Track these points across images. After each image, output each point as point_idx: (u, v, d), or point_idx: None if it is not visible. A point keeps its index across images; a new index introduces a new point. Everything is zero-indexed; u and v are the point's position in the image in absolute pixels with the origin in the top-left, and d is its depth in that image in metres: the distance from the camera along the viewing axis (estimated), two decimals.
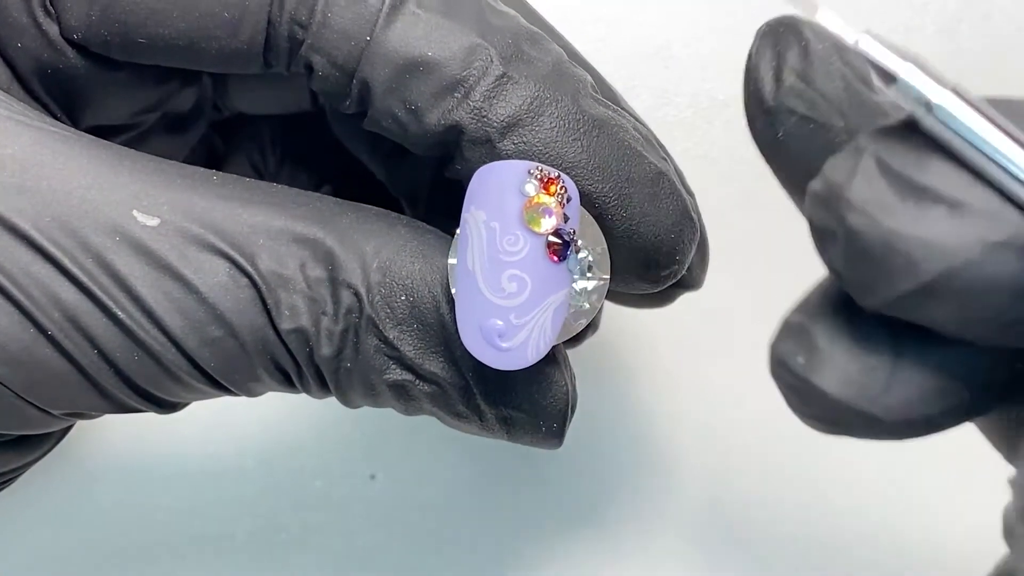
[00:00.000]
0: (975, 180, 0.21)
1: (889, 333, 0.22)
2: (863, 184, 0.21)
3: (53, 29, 0.27)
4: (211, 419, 0.43)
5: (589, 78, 0.28)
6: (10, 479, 0.30)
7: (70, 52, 0.28)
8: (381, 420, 0.42)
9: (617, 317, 0.38)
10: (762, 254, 0.45)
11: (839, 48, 0.24)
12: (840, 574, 0.40)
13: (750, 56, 0.25)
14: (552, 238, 0.25)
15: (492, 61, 0.26)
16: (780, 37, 0.25)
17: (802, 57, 0.24)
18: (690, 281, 0.33)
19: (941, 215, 0.20)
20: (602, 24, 0.48)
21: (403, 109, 0.27)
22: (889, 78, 0.22)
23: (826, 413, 0.23)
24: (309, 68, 0.27)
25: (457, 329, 0.26)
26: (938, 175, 0.21)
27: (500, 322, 0.25)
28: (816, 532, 0.41)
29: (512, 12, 0.28)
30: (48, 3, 0.27)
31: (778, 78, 0.24)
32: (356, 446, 0.44)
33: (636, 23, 0.49)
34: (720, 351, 0.42)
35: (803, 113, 0.24)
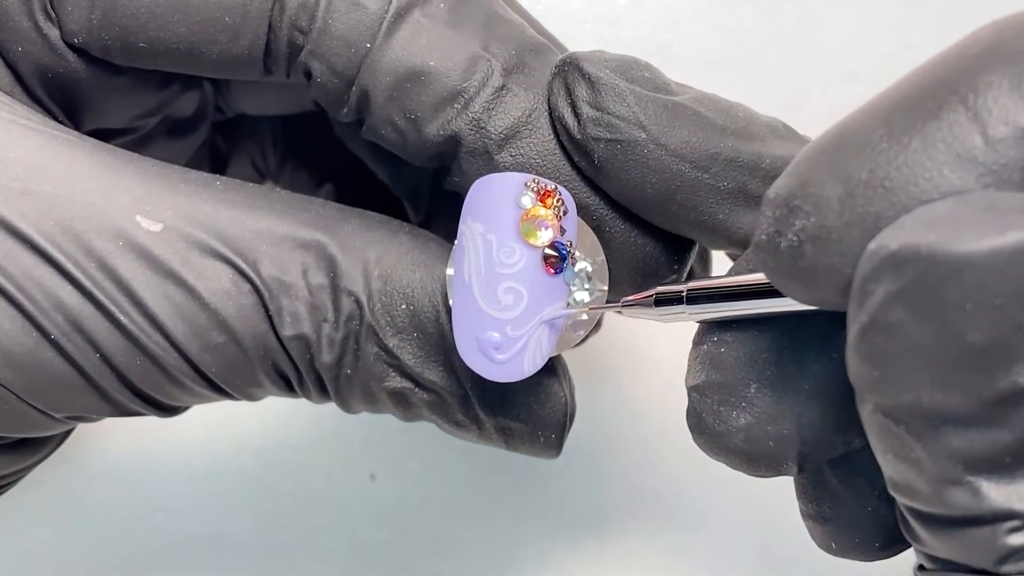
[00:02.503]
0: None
1: None
2: None
3: (54, 33, 0.27)
4: (211, 420, 0.43)
5: None
6: (12, 481, 0.30)
7: (71, 56, 0.28)
8: (381, 421, 0.42)
9: (617, 318, 0.38)
10: None
11: (621, 68, 0.26)
12: (843, 574, 0.40)
13: (548, 99, 0.27)
14: (548, 251, 0.25)
15: (493, 72, 0.26)
16: (567, 76, 0.26)
17: (590, 88, 0.26)
18: None
19: None
20: (602, 24, 0.48)
21: (402, 118, 0.27)
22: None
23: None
24: (308, 75, 0.27)
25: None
26: None
27: (496, 334, 0.25)
28: None
29: (519, 21, 0.28)
30: (49, 7, 0.27)
31: (576, 112, 0.26)
32: (356, 446, 0.44)
33: (636, 23, 0.48)
34: None
35: (608, 138, 0.26)
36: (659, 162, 0.26)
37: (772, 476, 0.25)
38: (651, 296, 0.26)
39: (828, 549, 0.26)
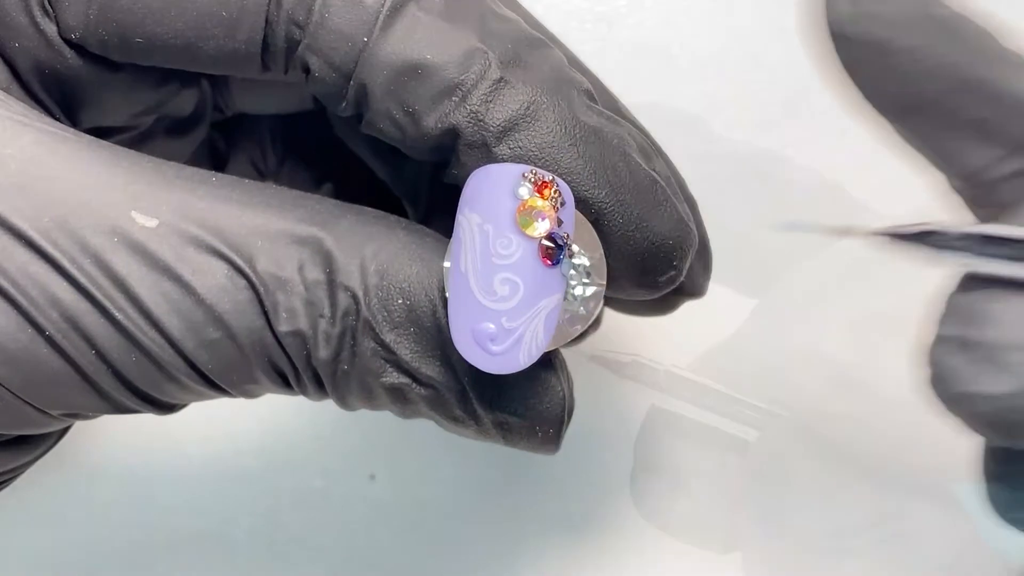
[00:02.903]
0: None
1: None
2: None
3: (51, 29, 0.27)
4: (211, 419, 0.43)
5: (588, 84, 0.28)
6: (8, 479, 0.30)
7: (68, 52, 0.28)
8: (381, 420, 0.42)
9: (617, 317, 0.38)
10: (763, 254, 0.44)
11: None
12: (842, 574, 0.40)
13: None
14: (545, 242, 0.25)
15: (491, 65, 0.26)
16: None
17: None
18: (692, 288, 0.33)
19: None
20: (602, 24, 0.48)
21: (401, 112, 0.27)
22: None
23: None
24: (306, 70, 0.27)
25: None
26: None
27: (492, 325, 0.25)
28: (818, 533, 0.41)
29: (514, 16, 0.28)
30: (46, 3, 0.27)
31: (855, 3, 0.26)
32: (356, 446, 0.44)
33: (636, 23, 0.49)
34: (720, 353, 0.42)
35: (877, 35, 0.25)
36: (926, 69, 0.25)
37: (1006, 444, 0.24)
38: (921, 229, 0.24)
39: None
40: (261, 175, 0.39)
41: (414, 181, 0.36)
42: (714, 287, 0.34)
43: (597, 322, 0.32)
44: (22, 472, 0.30)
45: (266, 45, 0.27)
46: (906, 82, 0.25)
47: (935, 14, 0.25)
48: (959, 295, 0.25)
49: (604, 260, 0.27)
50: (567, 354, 0.30)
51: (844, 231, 0.25)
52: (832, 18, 0.26)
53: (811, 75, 0.49)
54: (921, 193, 0.46)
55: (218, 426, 0.44)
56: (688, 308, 0.34)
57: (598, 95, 0.29)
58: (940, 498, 0.40)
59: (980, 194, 0.27)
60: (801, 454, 0.42)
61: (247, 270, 0.26)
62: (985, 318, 0.24)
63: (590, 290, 0.26)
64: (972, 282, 0.24)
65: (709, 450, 0.25)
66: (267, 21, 0.27)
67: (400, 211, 0.37)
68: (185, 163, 0.31)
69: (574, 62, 0.31)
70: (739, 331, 0.39)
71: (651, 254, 0.28)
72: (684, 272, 0.29)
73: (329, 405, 0.29)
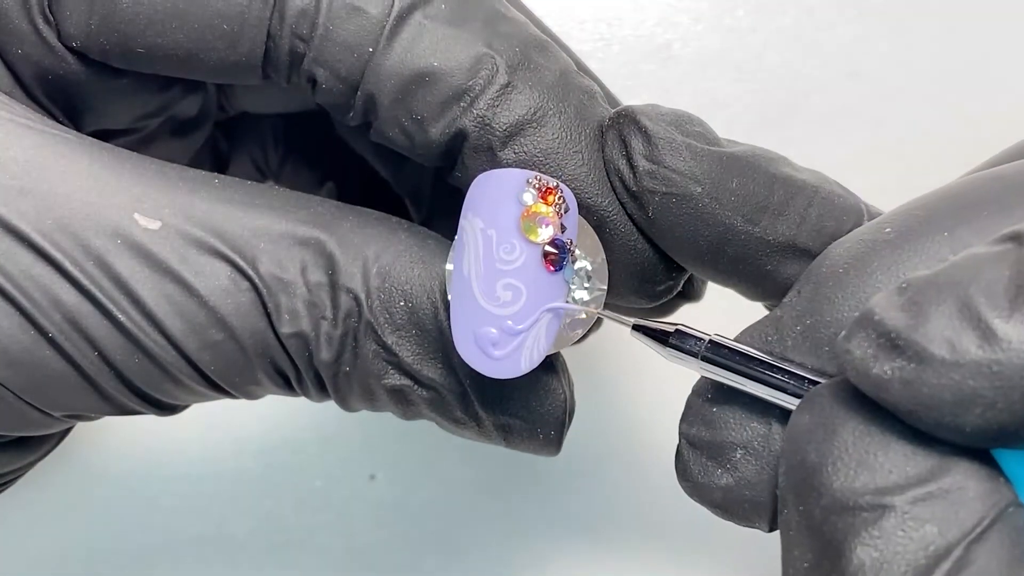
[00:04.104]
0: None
1: None
2: None
3: (53, 36, 0.27)
4: (211, 419, 0.43)
5: (597, 89, 0.28)
6: (10, 480, 0.30)
7: (71, 59, 0.28)
8: (381, 421, 0.42)
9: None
10: None
11: (676, 122, 0.26)
12: None
13: (603, 151, 0.27)
14: (548, 248, 0.25)
15: (498, 70, 0.26)
16: (623, 128, 0.27)
17: (646, 142, 0.26)
18: (691, 293, 0.33)
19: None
20: (602, 24, 0.48)
21: (409, 120, 0.27)
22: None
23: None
24: (312, 81, 0.27)
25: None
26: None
27: (494, 330, 0.25)
28: None
29: (522, 19, 0.28)
30: (48, 11, 0.27)
31: (632, 165, 0.26)
32: (356, 446, 0.44)
33: (636, 23, 0.49)
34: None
35: (663, 191, 0.26)
36: (712, 216, 0.26)
37: (744, 527, 0.27)
38: (669, 329, 0.26)
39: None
40: (263, 174, 0.39)
41: (416, 180, 0.36)
42: None
43: (599, 323, 0.32)
44: (24, 473, 0.30)
45: (268, 57, 0.27)
46: (712, 223, 0.26)
47: (720, 157, 0.26)
48: (695, 396, 0.27)
49: (606, 265, 0.27)
50: (574, 350, 0.30)
51: (612, 318, 0.27)
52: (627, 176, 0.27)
53: (811, 76, 0.49)
54: (920, 193, 0.47)
55: (219, 427, 0.44)
56: (707, 310, 0.34)
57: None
58: None
59: None
60: None
61: (249, 272, 0.26)
62: (712, 421, 0.26)
63: (592, 295, 0.26)
64: (707, 383, 0.27)
65: (754, 421, 0.25)
66: (269, 34, 0.27)
67: (402, 210, 0.37)
68: (187, 163, 0.31)
69: (579, 66, 0.31)
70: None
71: (651, 264, 0.28)
72: (681, 283, 0.29)
73: (330, 406, 0.29)
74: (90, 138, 0.27)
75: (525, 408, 0.28)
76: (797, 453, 0.22)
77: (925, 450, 0.20)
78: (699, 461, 0.26)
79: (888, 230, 0.25)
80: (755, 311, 0.29)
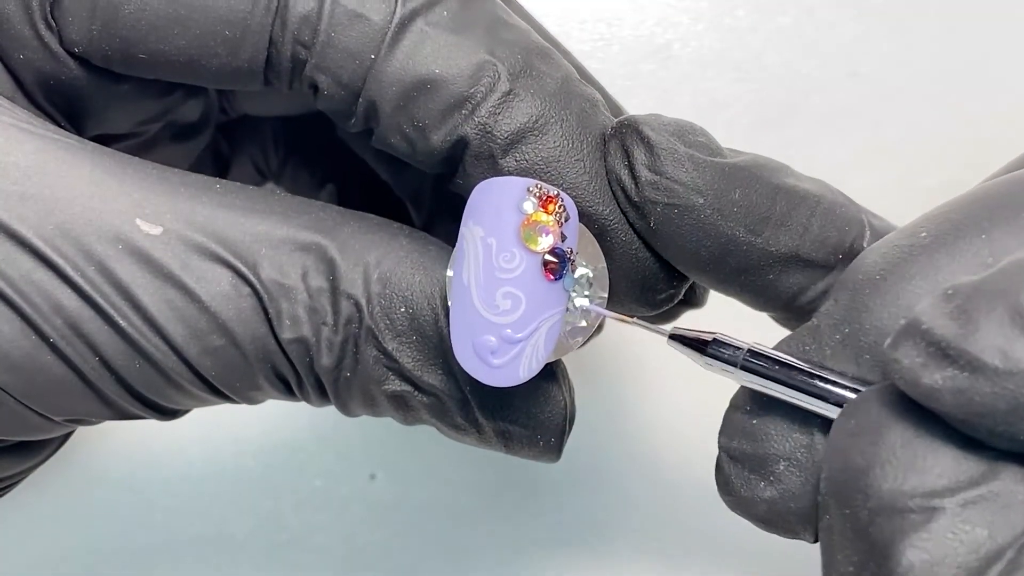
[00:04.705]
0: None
1: None
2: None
3: (55, 41, 0.27)
4: (211, 420, 0.43)
5: (599, 97, 0.28)
6: (11, 484, 0.30)
7: (72, 64, 0.27)
8: (381, 421, 0.42)
9: (619, 324, 0.38)
10: None
11: (679, 133, 0.26)
12: None
13: (605, 160, 0.27)
14: (548, 257, 0.25)
15: (500, 77, 0.26)
16: (625, 138, 0.27)
17: (648, 152, 0.26)
18: (693, 299, 0.33)
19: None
20: (602, 24, 0.48)
21: (411, 127, 0.27)
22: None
23: None
24: (314, 87, 0.27)
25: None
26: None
27: (493, 339, 0.25)
28: None
29: (524, 26, 0.28)
30: (50, 16, 0.27)
31: (634, 175, 0.26)
32: (356, 446, 0.44)
33: (636, 23, 0.49)
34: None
35: (665, 202, 0.26)
36: (715, 227, 0.26)
37: (788, 538, 0.27)
38: (707, 338, 0.26)
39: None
40: (264, 176, 0.39)
41: (417, 184, 0.36)
42: None
43: (600, 328, 0.32)
44: (25, 477, 0.30)
45: (270, 63, 0.27)
46: (713, 234, 0.26)
47: (723, 168, 0.26)
48: (733, 409, 0.27)
49: (606, 272, 0.27)
50: (575, 356, 0.30)
51: (649, 328, 0.27)
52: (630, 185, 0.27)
53: (811, 75, 0.49)
54: (921, 194, 0.47)
55: (219, 428, 0.44)
56: (709, 313, 0.34)
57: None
58: None
59: (796, 318, 0.28)
60: None
61: (251, 277, 0.26)
62: (753, 433, 0.26)
63: (592, 302, 0.26)
64: (745, 394, 0.27)
65: (796, 431, 0.25)
66: (271, 40, 0.27)
67: (403, 212, 0.37)
68: (189, 166, 0.31)
69: (579, 71, 0.31)
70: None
71: (652, 272, 0.28)
72: (683, 291, 0.29)
73: (330, 408, 0.29)
74: (92, 143, 0.27)
75: (525, 415, 0.28)
76: (842, 457, 0.22)
77: (974, 454, 0.21)
78: (741, 474, 0.26)
79: (923, 234, 0.24)
80: (761, 317, 0.29)
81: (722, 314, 0.32)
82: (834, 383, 0.24)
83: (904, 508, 0.20)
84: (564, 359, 0.29)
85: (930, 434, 0.21)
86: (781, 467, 0.26)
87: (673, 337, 0.27)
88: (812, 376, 0.25)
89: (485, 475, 0.44)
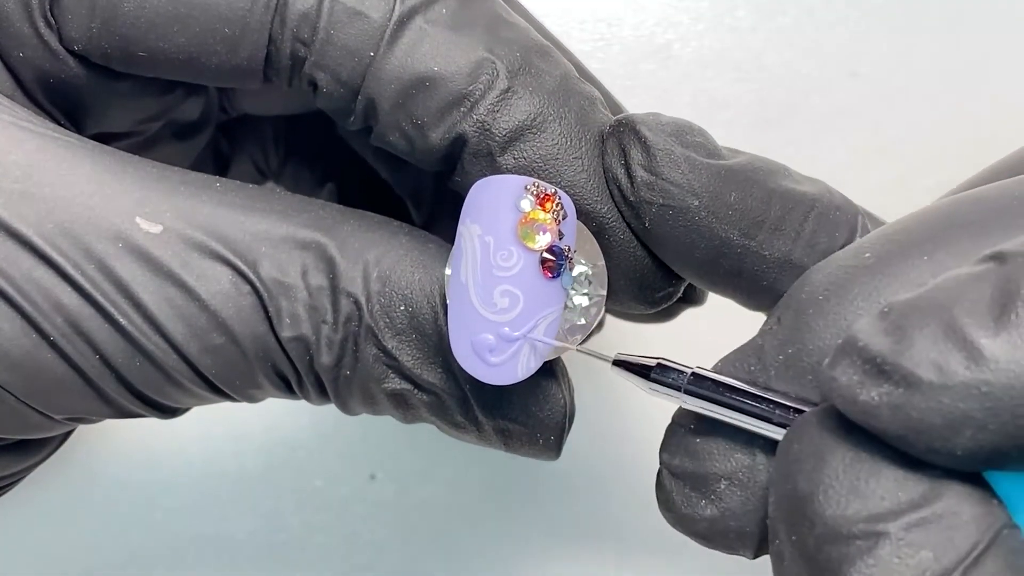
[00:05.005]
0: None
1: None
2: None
3: (55, 40, 0.27)
4: (211, 420, 0.43)
5: (598, 95, 0.28)
6: (11, 483, 0.30)
7: (72, 62, 0.28)
8: (381, 421, 0.42)
9: (619, 323, 0.38)
10: None
11: (677, 133, 0.26)
12: None
13: (602, 159, 0.27)
14: (546, 255, 0.25)
15: (498, 75, 0.26)
16: (622, 137, 0.27)
17: (644, 152, 0.26)
18: (693, 297, 0.33)
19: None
20: (602, 24, 0.48)
21: (409, 124, 0.27)
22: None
23: None
24: (313, 85, 0.27)
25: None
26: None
27: (490, 337, 0.25)
28: None
29: (523, 24, 0.28)
30: (49, 14, 0.27)
31: (630, 175, 0.26)
32: (356, 446, 0.44)
33: (636, 23, 0.49)
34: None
35: (660, 202, 0.26)
36: (709, 229, 0.26)
37: (728, 554, 0.27)
38: (651, 363, 0.26)
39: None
40: (263, 175, 0.39)
41: (417, 182, 0.36)
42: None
43: (600, 325, 0.32)
44: (25, 476, 0.30)
45: (269, 61, 0.27)
46: (708, 236, 0.26)
47: (719, 171, 0.26)
48: (675, 426, 0.27)
49: (605, 270, 0.27)
50: (574, 354, 0.30)
51: (592, 354, 0.27)
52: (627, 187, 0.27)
53: (811, 75, 0.49)
54: (920, 194, 0.47)
55: (219, 427, 0.44)
56: (709, 311, 0.34)
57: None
58: None
59: None
60: None
61: (251, 275, 0.26)
62: (695, 452, 0.26)
63: (591, 299, 0.26)
64: (688, 413, 0.27)
65: (738, 451, 0.25)
66: (270, 38, 0.27)
67: (403, 210, 0.37)
68: (189, 165, 0.31)
69: (580, 70, 0.31)
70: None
71: (650, 271, 0.28)
72: (681, 290, 0.29)
73: (330, 407, 0.29)
74: (92, 142, 0.27)
75: (525, 413, 0.28)
76: (787, 482, 0.22)
77: (916, 475, 0.20)
78: (682, 492, 0.26)
79: (867, 255, 0.24)
80: (758, 317, 0.29)
81: (722, 314, 0.32)
82: (777, 404, 0.24)
83: (849, 535, 0.20)
84: (563, 357, 0.29)
85: (871, 456, 0.21)
86: (722, 486, 0.26)
87: (617, 363, 0.27)
88: (755, 398, 0.25)
89: (485, 475, 0.44)
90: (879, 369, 0.20)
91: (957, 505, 0.20)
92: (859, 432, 0.21)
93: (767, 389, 0.25)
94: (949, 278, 0.21)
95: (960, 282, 0.20)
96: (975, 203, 0.24)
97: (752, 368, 0.25)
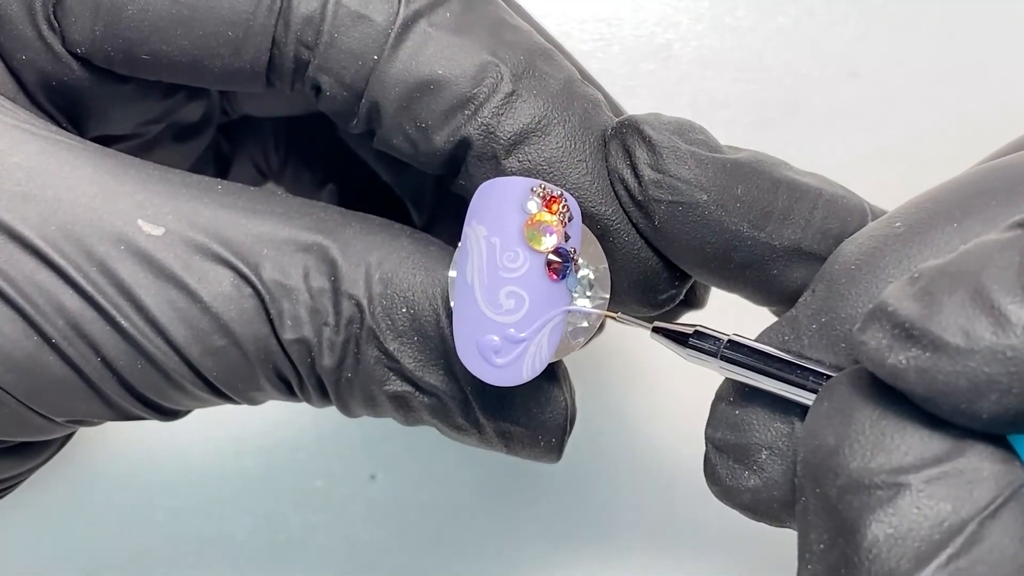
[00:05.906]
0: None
1: None
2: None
3: (57, 42, 0.27)
4: (211, 420, 0.43)
5: (601, 98, 0.28)
6: (12, 485, 0.30)
7: (75, 65, 0.28)
8: (381, 422, 0.42)
9: (619, 325, 0.38)
10: None
11: (679, 131, 0.27)
12: None
13: (607, 160, 0.27)
14: (552, 256, 0.25)
15: (503, 78, 0.26)
16: (626, 138, 0.27)
17: (650, 151, 0.26)
18: (694, 300, 0.33)
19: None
20: (602, 24, 0.48)
21: (413, 128, 0.27)
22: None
23: None
24: (316, 88, 0.27)
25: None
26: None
27: (496, 338, 0.25)
28: None
29: (527, 27, 0.28)
30: (52, 17, 0.27)
31: (637, 174, 0.27)
32: (356, 446, 0.44)
33: (636, 23, 0.49)
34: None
35: (669, 199, 0.26)
36: (719, 223, 0.26)
37: (775, 527, 0.27)
38: (688, 330, 0.26)
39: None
40: (264, 176, 0.39)
41: (418, 184, 0.36)
42: None
43: (601, 328, 0.32)
44: (26, 478, 0.30)
45: (273, 64, 0.27)
46: (718, 230, 0.27)
47: (724, 164, 0.27)
48: (718, 400, 0.27)
49: (608, 273, 0.27)
50: (575, 356, 0.30)
51: (630, 322, 0.27)
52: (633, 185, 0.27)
53: (811, 75, 0.49)
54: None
55: (220, 428, 0.44)
56: (710, 312, 0.34)
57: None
58: None
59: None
60: None
61: (252, 278, 0.26)
62: (737, 423, 0.27)
63: (594, 303, 0.26)
64: (729, 386, 0.27)
65: (777, 421, 0.26)
66: (274, 41, 0.27)
67: (404, 212, 0.37)
68: (190, 166, 0.31)
69: (583, 74, 0.31)
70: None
71: (654, 273, 0.28)
72: (684, 292, 0.29)
73: (331, 408, 0.29)
74: (93, 144, 0.27)
75: (526, 415, 0.28)
76: (815, 438, 0.22)
77: (941, 433, 0.21)
78: (726, 464, 0.27)
79: (898, 224, 0.25)
80: (763, 315, 0.29)
81: (721, 314, 0.32)
82: (811, 371, 0.25)
83: (871, 484, 0.21)
84: (565, 359, 0.29)
85: (898, 414, 0.21)
86: (764, 456, 0.26)
87: (656, 330, 0.27)
88: (790, 365, 0.25)
89: (485, 475, 0.44)
90: (908, 333, 0.20)
91: (979, 462, 0.21)
92: (887, 392, 0.21)
93: (801, 356, 0.25)
94: (977, 245, 0.21)
95: (988, 249, 0.21)
96: (1004, 171, 0.25)
97: (787, 338, 0.26)
